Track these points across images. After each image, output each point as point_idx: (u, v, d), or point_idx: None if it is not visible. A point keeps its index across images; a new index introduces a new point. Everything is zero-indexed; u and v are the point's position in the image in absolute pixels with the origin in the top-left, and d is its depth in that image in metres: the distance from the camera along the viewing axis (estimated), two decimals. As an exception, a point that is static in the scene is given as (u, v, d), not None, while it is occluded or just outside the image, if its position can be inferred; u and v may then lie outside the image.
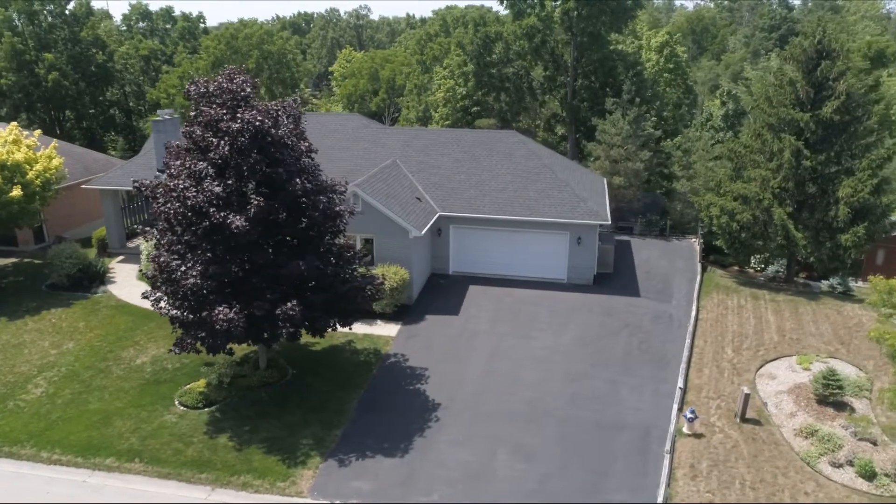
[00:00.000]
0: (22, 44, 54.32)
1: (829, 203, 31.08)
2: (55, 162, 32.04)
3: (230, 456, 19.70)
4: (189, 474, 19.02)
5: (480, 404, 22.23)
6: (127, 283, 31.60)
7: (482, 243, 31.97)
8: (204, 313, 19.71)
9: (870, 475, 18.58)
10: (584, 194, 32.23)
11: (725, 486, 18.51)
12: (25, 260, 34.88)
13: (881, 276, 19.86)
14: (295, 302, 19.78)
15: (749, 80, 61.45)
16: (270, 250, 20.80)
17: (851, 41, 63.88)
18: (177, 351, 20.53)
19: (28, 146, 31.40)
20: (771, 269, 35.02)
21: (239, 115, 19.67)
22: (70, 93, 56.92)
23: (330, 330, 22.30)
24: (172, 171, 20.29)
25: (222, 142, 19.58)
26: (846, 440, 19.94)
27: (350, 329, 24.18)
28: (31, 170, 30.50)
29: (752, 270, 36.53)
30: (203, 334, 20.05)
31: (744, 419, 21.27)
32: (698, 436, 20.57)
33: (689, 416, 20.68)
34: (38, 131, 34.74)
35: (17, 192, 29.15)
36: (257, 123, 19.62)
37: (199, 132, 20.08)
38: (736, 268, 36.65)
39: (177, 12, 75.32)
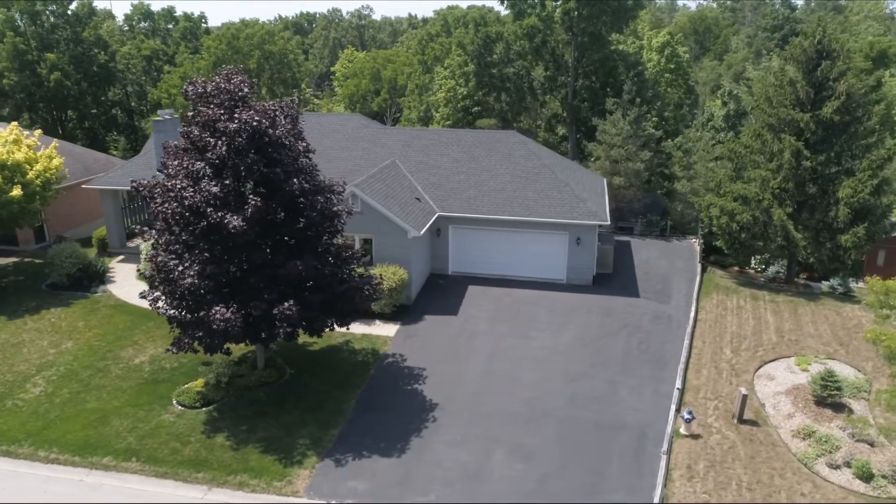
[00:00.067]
0: (24, 44, 54.46)
1: (829, 204, 31.02)
2: (55, 162, 32.13)
3: (227, 455, 19.72)
4: (186, 473, 19.04)
5: (479, 404, 22.23)
6: (126, 283, 31.66)
7: (481, 243, 31.97)
8: (201, 313, 19.75)
9: (867, 477, 18.54)
10: (584, 195, 32.21)
11: (722, 487, 18.48)
12: (26, 259, 34.97)
13: (878, 277, 19.79)
14: (292, 302, 19.80)
15: (750, 80, 61.33)
16: (268, 250, 20.83)
17: (854, 41, 63.76)
18: (174, 350, 20.57)
19: (28, 146, 31.49)
20: (771, 269, 34.97)
21: (236, 115, 19.70)
22: (72, 93, 57.04)
23: (327, 330, 22.29)
24: (170, 171, 20.36)
25: (220, 142, 19.61)
26: (844, 441, 19.90)
27: (348, 329, 24.28)
28: (31, 170, 30.59)
29: (752, 271, 36.49)
30: (200, 334, 20.08)
31: (741, 420, 21.23)
32: (695, 436, 20.54)
33: (686, 416, 20.65)
34: (39, 131, 34.83)
35: (17, 191, 29.24)
36: (255, 123, 19.66)
37: (196, 132, 20.12)
38: (736, 268, 36.61)
39: (178, 12, 75.40)
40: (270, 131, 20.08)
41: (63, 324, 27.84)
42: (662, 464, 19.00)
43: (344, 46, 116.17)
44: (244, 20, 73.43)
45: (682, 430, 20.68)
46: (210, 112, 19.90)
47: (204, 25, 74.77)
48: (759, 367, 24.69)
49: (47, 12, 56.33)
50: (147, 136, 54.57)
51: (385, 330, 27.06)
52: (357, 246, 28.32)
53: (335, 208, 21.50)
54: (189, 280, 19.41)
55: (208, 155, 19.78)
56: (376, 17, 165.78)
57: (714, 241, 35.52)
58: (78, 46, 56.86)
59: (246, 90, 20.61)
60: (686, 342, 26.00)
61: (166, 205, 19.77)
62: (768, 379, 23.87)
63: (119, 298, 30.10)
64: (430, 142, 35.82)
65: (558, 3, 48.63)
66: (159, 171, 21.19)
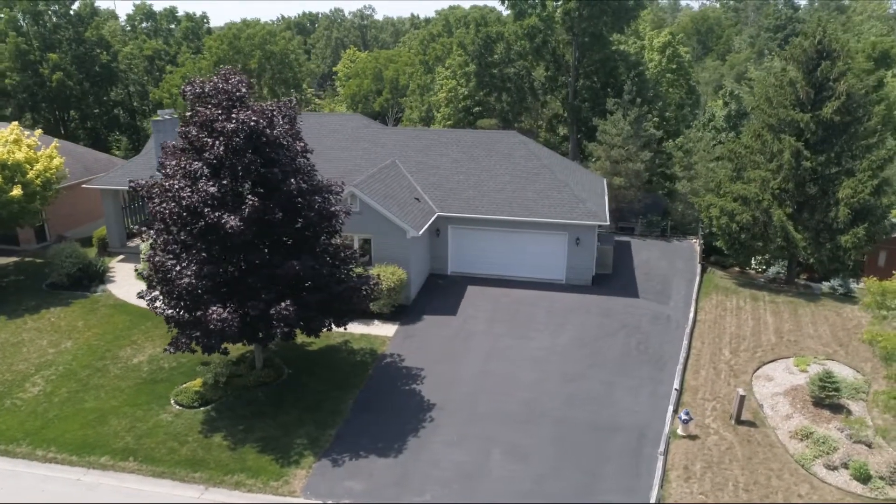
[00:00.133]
0: (26, 44, 54.60)
1: (829, 204, 30.95)
2: (55, 161, 32.20)
3: (224, 455, 19.75)
4: (183, 473, 19.07)
5: (476, 405, 22.22)
6: (126, 283, 31.71)
7: (481, 244, 31.96)
8: (199, 313, 19.79)
9: (864, 478, 18.50)
10: (583, 195, 32.18)
11: (719, 488, 18.46)
12: (27, 259, 35.05)
13: (874, 278, 19.75)
14: (289, 302, 19.81)
15: (752, 80, 61.21)
16: (266, 250, 20.85)
17: (857, 41, 63.58)
18: (172, 350, 20.59)
19: (29, 146, 31.57)
20: (772, 270, 34.91)
21: (234, 115, 19.73)
22: (74, 93, 57.18)
23: (325, 330, 22.29)
24: (168, 170, 20.40)
25: (217, 142, 19.64)
26: (841, 443, 19.85)
27: (347, 329, 24.30)
28: (31, 169, 30.66)
29: (753, 272, 36.44)
30: (198, 334, 20.11)
31: (739, 421, 21.20)
32: (693, 437, 20.51)
33: (683, 417, 20.62)
34: (39, 131, 34.88)
35: (17, 191, 29.32)
36: (252, 124, 19.68)
37: (194, 132, 20.15)
38: (737, 269, 36.55)
39: (181, 13, 75.55)
40: (268, 131, 20.11)
41: (62, 323, 27.91)
42: (659, 464, 18.97)
43: (346, 46, 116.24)
44: (245, 20, 73.49)
45: (680, 431, 20.66)
46: (208, 112, 19.93)
47: (206, 25, 74.93)
48: (758, 368, 24.65)
49: (49, 12, 56.49)
50: (149, 136, 54.68)
51: (384, 330, 27.07)
52: (356, 246, 28.34)
53: (333, 208, 21.52)
54: (186, 280, 19.45)
55: (206, 155, 19.81)
56: (378, 17, 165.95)
57: (715, 241, 35.46)
58: (80, 46, 57.01)
59: (243, 90, 20.64)
60: (685, 343, 25.95)
61: (164, 205, 19.81)
62: (767, 380, 23.82)
63: (119, 298, 30.17)
64: (429, 142, 35.83)
65: (559, 3, 48.60)
66: (159, 171, 21.24)
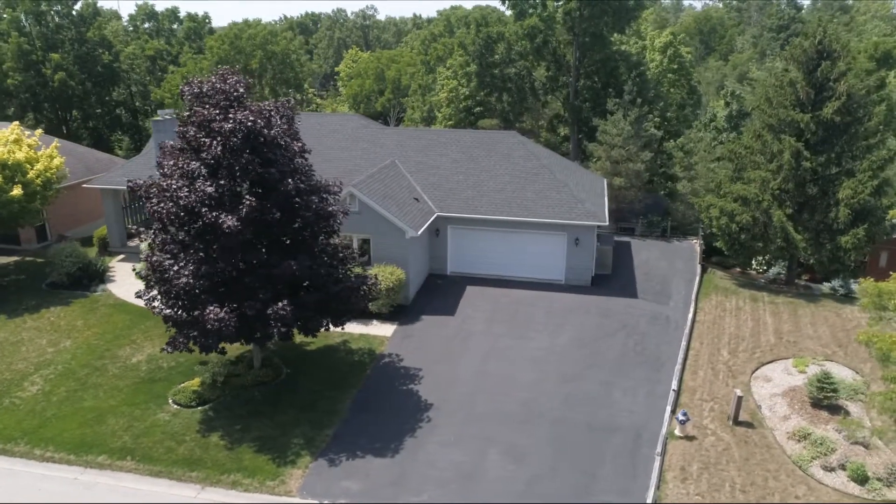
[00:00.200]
0: (29, 44, 54.72)
1: (829, 204, 30.89)
2: (56, 161, 32.27)
3: (221, 454, 19.77)
4: (180, 472, 19.10)
5: (474, 405, 22.22)
6: (126, 282, 31.71)
7: (480, 244, 31.96)
8: (196, 312, 19.82)
9: (862, 479, 18.46)
10: (583, 195, 32.15)
11: (715, 489, 18.42)
12: (27, 258, 35.15)
13: (871, 279, 19.71)
14: (286, 301, 19.84)
15: (754, 80, 61.12)
16: (263, 250, 20.87)
17: (859, 41, 63.36)
18: (169, 350, 20.62)
19: (29, 145, 31.65)
20: (772, 271, 34.83)
21: (231, 115, 19.75)
22: (76, 93, 57.29)
23: (322, 330, 22.32)
24: (166, 170, 20.44)
25: (215, 142, 19.67)
26: (839, 444, 19.81)
27: (345, 329, 24.30)
28: (31, 169, 30.74)
29: (753, 272, 36.36)
30: (195, 333, 20.12)
31: (737, 422, 21.16)
32: (690, 438, 20.49)
33: (681, 418, 20.58)
34: (39, 131, 34.94)
35: (17, 191, 29.40)
36: (249, 124, 19.70)
37: (192, 132, 20.18)
38: (737, 269, 36.48)
39: (182, 13, 75.65)
40: (266, 131, 20.13)
41: (62, 322, 27.98)
42: (656, 465, 18.96)
43: (348, 46, 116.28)
44: (247, 20, 73.58)
45: (677, 432, 20.63)
46: (205, 112, 19.95)
47: (208, 26, 75.00)
48: (757, 369, 24.60)
49: (52, 13, 56.60)
50: (150, 136, 54.82)
51: (382, 330, 27.08)
52: (355, 246, 28.35)
53: (331, 208, 21.53)
54: (184, 280, 19.48)
55: (203, 155, 19.85)
56: (381, 17, 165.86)
57: (715, 242, 35.40)
58: (82, 46, 57.11)
59: (241, 90, 20.66)
60: (683, 343, 25.92)
61: (162, 204, 19.84)
62: (765, 380, 23.78)
63: (118, 297, 30.23)
64: (429, 142, 35.83)
65: (560, 3, 48.55)
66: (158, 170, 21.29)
